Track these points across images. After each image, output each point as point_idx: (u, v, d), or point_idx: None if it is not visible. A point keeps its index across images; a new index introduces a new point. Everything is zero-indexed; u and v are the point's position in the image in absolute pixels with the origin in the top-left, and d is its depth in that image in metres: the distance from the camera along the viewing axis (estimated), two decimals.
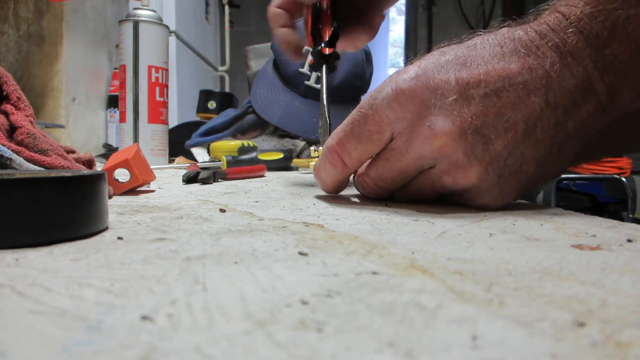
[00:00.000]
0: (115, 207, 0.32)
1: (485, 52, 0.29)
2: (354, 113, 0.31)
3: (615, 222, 0.27)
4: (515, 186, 0.30)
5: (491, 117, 0.28)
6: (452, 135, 0.28)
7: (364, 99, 0.31)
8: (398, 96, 0.29)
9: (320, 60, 0.48)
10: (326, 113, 0.46)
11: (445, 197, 0.33)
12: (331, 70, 0.49)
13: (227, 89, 2.34)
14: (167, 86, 0.90)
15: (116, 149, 1.14)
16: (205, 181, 0.52)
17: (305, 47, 0.53)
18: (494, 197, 0.30)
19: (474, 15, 3.15)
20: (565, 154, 0.30)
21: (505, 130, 0.28)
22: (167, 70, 0.90)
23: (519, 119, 0.28)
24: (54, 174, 0.23)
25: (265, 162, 0.75)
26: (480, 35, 0.31)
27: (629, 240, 0.22)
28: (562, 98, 0.28)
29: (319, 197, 0.39)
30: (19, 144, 0.35)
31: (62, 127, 1.16)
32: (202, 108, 1.44)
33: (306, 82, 0.94)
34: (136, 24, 0.85)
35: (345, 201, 0.36)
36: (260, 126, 1.01)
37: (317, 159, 0.38)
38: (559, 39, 0.28)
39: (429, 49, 0.32)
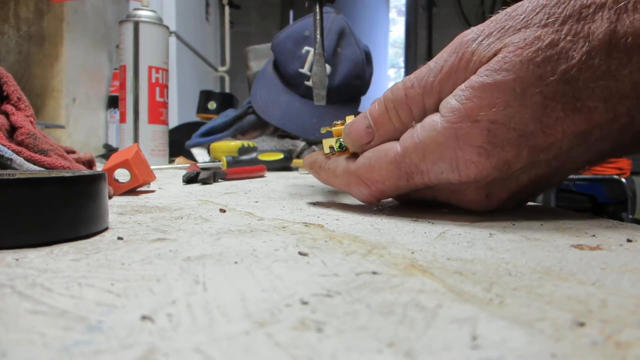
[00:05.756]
0: (115, 207, 0.32)
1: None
2: (402, 158, 0.28)
3: (615, 222, 0.27)
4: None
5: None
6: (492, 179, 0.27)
7: (411, 141, 0.27)
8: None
9: None
10: (322, 54, 0.36)
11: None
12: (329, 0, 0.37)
13: (227, 90, 2.33)
14: (167, 86, 0.90)
15: (116, 149, 1.14)
16: (205, 181, 0.52)
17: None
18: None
19: (474, 16, 3.15)
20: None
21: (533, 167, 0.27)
22: (167, 70, 0.90)
23: (550, 157, 0.27)
24: (54, 174, 0.23)
25: (265, 162, 0.75)
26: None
27: (629, 240, 0.22)
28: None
29: (319, 197, 0.39)
30: (20, 144, 0.35)
31: (62, 127, 1.16)
32: (202, 108, 1.44)
33: (306, 83, 0.94)
34: (136, 25, 0.85)
35: (345, 201, 0.36)
36: (261, 126, 1.01)
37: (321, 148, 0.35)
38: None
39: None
